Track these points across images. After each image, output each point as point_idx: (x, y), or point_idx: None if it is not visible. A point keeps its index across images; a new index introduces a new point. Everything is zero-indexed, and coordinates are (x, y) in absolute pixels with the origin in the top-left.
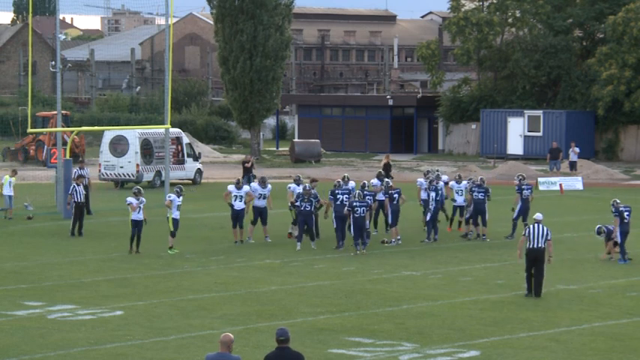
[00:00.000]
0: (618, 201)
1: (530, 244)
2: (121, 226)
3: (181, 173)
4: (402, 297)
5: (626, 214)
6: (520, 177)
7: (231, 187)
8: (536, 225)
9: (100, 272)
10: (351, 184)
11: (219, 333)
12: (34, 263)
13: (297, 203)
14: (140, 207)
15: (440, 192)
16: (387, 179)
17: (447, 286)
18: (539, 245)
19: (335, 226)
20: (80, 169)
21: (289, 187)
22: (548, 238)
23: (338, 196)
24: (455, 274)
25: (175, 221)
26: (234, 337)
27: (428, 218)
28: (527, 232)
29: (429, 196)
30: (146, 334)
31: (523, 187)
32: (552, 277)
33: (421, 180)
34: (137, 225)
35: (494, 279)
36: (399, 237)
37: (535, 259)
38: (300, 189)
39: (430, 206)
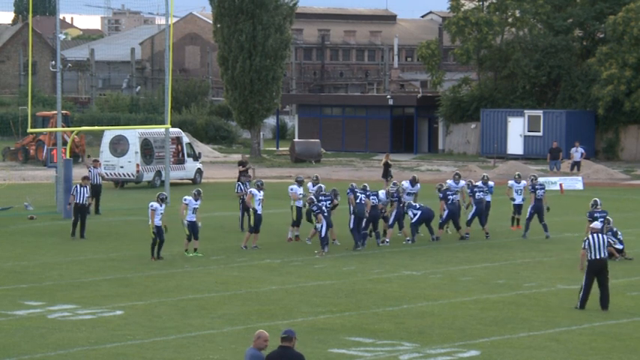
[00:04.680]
0: (599, 203)
1: (591, 256)
2: (121, 226)
3: (181, 173)
4: (402, 297)
5: (600, 220)
6: (532, 177)
7: (254, 190)
8: (595, 235)
9: (101, 272)
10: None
11: (219, 333)
12: (35, 263)
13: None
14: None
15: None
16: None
17: (448, 285)
18: (602, 255)
19: (352, 226)
20: (94, 167)
21: (291, 189)
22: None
23: (358, 195)
24: (455, 273)
25: (191, 224)
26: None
27: (413, 220)
28: (586, 244)
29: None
30: (146, 333)
31: (537, 186)
32: (552, 277)
33: (463, 182)
34: (160, 231)
35: (495, 279)
36: (408, 238)
37: (599, 271)
38: (301, 190)
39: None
